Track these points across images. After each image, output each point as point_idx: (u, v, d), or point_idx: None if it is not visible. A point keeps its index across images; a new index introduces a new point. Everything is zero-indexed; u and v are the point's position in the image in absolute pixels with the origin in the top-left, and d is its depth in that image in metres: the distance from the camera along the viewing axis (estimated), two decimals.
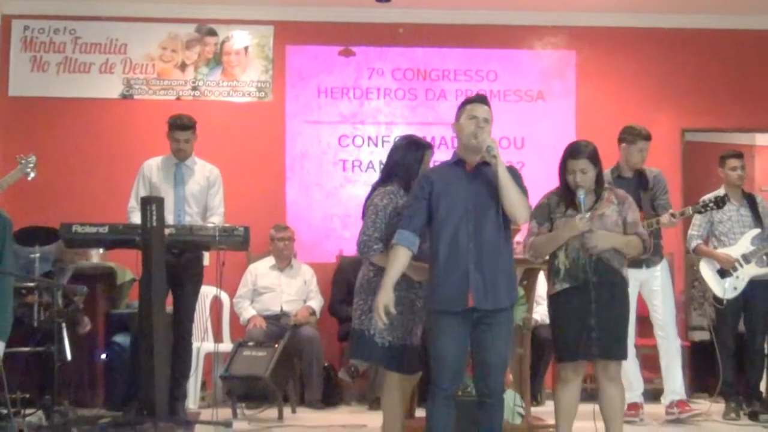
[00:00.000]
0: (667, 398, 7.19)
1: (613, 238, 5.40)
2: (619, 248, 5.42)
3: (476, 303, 4.88)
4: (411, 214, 5.04)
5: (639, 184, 7.09)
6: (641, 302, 7.21)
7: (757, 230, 7.33)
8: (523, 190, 5.04)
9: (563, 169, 5.55)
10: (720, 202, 6.82)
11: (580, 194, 5.39)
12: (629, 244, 5.44)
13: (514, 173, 5.06)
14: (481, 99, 5.19)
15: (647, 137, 7.15)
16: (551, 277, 5.48)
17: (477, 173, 5.05)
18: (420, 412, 5.85)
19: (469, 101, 5.18)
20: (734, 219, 7.39)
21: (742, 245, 7.30)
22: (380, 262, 5.24)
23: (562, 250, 5.42)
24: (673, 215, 6.76)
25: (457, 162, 5.13)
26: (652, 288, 7.14)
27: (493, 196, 4.96)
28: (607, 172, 7.17)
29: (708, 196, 7.23)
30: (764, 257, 7.34)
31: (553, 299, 5.47)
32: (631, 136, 7.15)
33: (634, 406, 6.99)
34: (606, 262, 5.38)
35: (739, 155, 7.55)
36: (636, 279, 7.07)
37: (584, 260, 5.35)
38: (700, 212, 6.92)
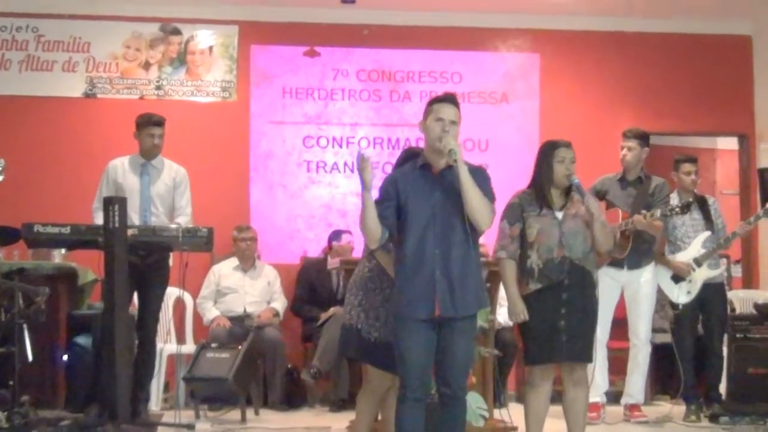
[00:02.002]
0: (624, 400, 7.30)
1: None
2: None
3: (442, 311, 4.85)
4: (384, 216, 4.96)
5: (639, 190, 7.16)
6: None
7: (708, 233, 7.38)
8: (490, 193, 4.97)
9: (543, 165, 5.54)
10: (685, 208, 6.87)
11: (576, 180, 5.44)
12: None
13: (482, 176, 4.99)
14: (449, 99, 5.06)
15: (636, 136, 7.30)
16: (524, 277, 5.46)
17: (443, 177, 4.97)
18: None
19: (437, 100, 5.07)
20: (687, 223, 7.44)
21: (694, 249, 7.35)
22: (381, 258, 5.28)
23: (535, 249, 5.42)
24: (644, 216, 6.79)
25: (424, 165, 5.05)
26: (639, 292, 7.19)
27: (459, 200, 4.88)
28: (611, 175, 7.26)
29: (674, 202, 7.28)
30: (715, 260, 7.40)
31: (525, 299, 5.43)
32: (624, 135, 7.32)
33: (595, 407, 7.04)
34: (578, 264, 5.40)
35: (693, 160, 7.59)
36: (617, 280, 7.14)
37: (558, 261, 5.37)
38: (666, 215, 6.95)
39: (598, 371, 6.96)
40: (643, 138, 7.33)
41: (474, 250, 5.00)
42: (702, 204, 7.52)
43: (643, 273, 7.19)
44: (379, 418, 5.66)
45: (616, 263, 7.07)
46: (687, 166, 7.52)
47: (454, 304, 4.86)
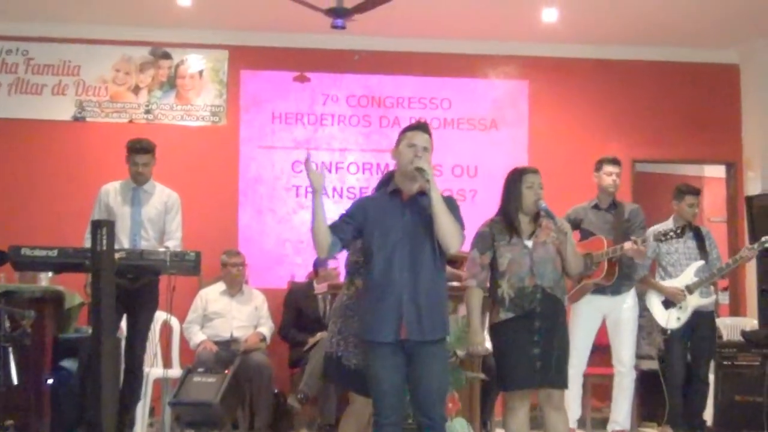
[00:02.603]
0: (610, 427, 7.29)
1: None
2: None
3: (409, 335, 4.84)
4: (341, 229, 4.97)
5: (614, 215, 7.19)
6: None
7: (701, 262, 7.40)
8: (459, 221, 4.97)
9: (512, 191, 5.57)
10: (680, 233, 6.88)
11: (543, 204, 5.48)
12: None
13: (452, 204, 5.01)
14: (421, 127, 5.09)
15: (612, 162, 7.33)
16: (495, 306, 5.48)
17: (413, 203, 4.99)
18: None
19: (409, 128, 5.10)
20: (681, 251, 7.46)
21: (686, 276, 7.36)
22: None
23: (506, 279, 5.44)
24: (635, 242, 6.81)
25: (394, 191, 5.06)
26: (621, 318, 7.19)
27: (428, 226, 4.89)
28: (583, 204, 7.29)
29: (662, 227, 7.31)
30: (707, 288, 7.42)
31: (497, 328, 5.47)
32: (598, 162, 7.30)
33: None
34: (550, 292, 5.43)
35: (697, 192, 7.59)
36: (598, 308, 7.14)
37: (530, 290, 5.39)
38: (660, 240, 6.97)
39: (573, 399, 7.00)
40: (609, 162, 7.39)
41: (442, 276, 5.03)
42: (697, 233, 7.53)
43: (625, 299, 7.21)
44: None
45: (599, 290, 7.09)
46: (690, 199, 7.51)
47: (421, 327, 4.86)
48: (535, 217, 5.55)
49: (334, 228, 4.96)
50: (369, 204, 5.09)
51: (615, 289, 7.11)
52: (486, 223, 5.63)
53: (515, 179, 5.62)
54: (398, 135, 5.15)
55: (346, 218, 5.01)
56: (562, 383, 5.51)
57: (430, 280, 4.92)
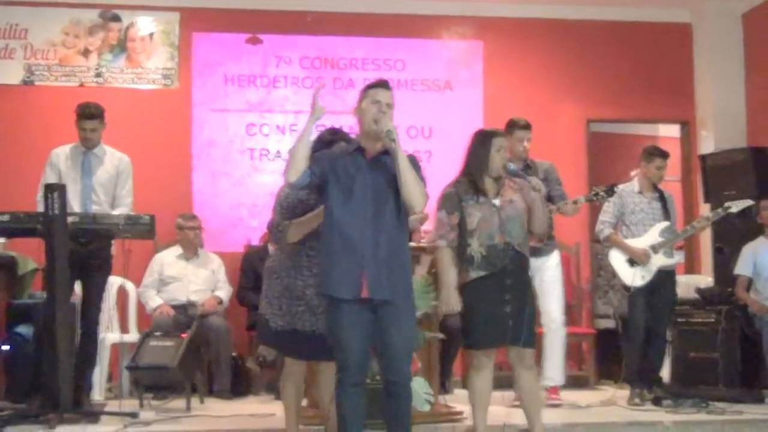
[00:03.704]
0: (545, 384, 7.27)
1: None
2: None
3: (371, 293, 4.84)
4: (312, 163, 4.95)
5: (531, 174, 7.18)
6: None
7: (666, 223, 7.45)
8: (422, 180, 4.97)
9: (479, 153, 5.56)
10: (609, 192, 6.90)
11: (512, 166, 5.58)
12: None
13: (414, 162, 5.00)
14: (383, 84, 5.09)
15: (525, 126, 7.20)
16: (464, 265, 5.47)
17: (376, 161, 4.98)
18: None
19: (371, 86, 5.09)
20: (646, 210, 7.50)
21: (651, 236, 7.40)
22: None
23: (475, 237, 5.44)
24: (566, 204, 6.85)
25: (357, 149, 5.05)
26: (544, 278, 7.20)
27: (391, 185, 4.89)
28: None
29: (627, 187, 7.48)
30: (670, 249, 7.47)
31: (467, 287, 5.46)
32: (509, 127, 7.18)
33: (554, 389, 7.12)
34: (519, 250, 5.45)
35: (665, 155, 7.61)
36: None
37: (501, 247, 5.39)
38: (591, 200, 6.99)
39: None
40: (526, 127, 7.33)
41: (404, 235, 5.04)
42: (661, 197, 7.58)
43: (548, 259, 7.22)
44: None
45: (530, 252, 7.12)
46: (659, 161, 7.53)
47: (382, 286, 4.85)
48: (497, 177, 5.55)
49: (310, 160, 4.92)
50: (331, 159, 5.04)
51: (536, 251, 7.03)
52: (450, 183, 5.63)
53: (483, 142, 5.59)
54: (360, 93, 5.14)
55: (315, 161, 4.97)
56: (533, 342, 5.54)
57: (394, 239, 4.92)
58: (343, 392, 4.92)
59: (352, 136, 5.38)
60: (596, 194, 6.87)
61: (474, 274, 5.44)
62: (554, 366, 7.31)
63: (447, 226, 5.51)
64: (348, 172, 4.95)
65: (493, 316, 5.39)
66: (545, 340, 7.27)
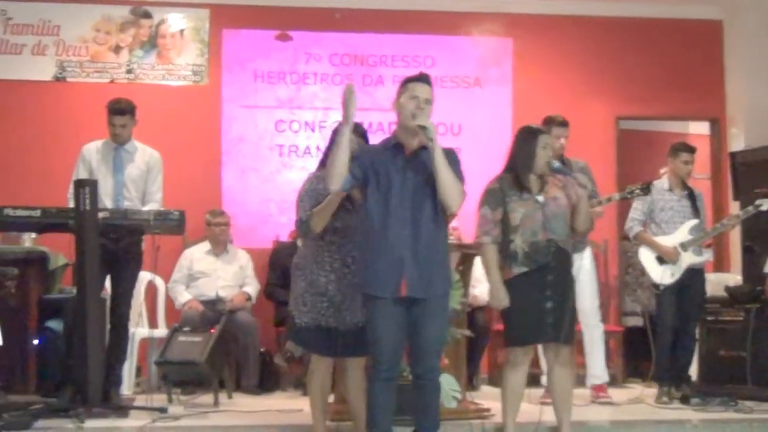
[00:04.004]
0: (589, 382, 7.33)
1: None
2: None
3: (410, 292, 4.88)
4: (353, 172, 4.96)
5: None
6: None
7: (696, 221, 7.42)
8: (460, 176, 4.97)
9: (524, 150, 5.55)
10: (645, 190, 6.89)
11: (557, 164, 5.54)
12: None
13: (453, 158, 4.99)
14: (423, 79, 5.05)
15: (562, 123, 7.17)
16: (506, 261, 5.47)
17: (415, 158, 4.97)
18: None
19: (410, 80, 5.06)
20: (675, 208, 7.48)
21: (680, 234, 7.38)
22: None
23: (519, 233, 5.44)
24: (600, 202, 6.85)
25: (396, 145, 5.04)
26: (578, 276, 7.18)
27: (430, 182, 4.89)
28: None
29: (657, 184, 7.45)
30: (699, 247, 7.44)
31: (509, 283, 5.45)
32: (546, 123, 7.16)
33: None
34: (561, 246, 5.47)
35: (692, 150, 7.60)
36: None
37: (543, 244, 5.41)
38: (626, 198, 6.98)
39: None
40: (563, 123, 7.30)
41: (443, 232, 5.05)
42: (690, 194, 7.56)
43: (582, 255, 7.21)
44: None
45: None
46: (686, 156, 7.53)
47: (422, 285, 4.89)
48: (542, 174, 5.56)
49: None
50: (370, 156, 5.04)
51: (577, 247, 7.01)
52: (494, 179, 5.62)
53: (529, 139, 5.58)
54: (399, 86, 5.10)
55: (354, 162, 4.96)
56: (572, 339, 5.57)
57: (432, 236, 4.93)
58: (375, 386, 5.00)
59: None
60: (631, 192, 6.86)
61: (516, 270, 5.45)
62: (597, 363, 7.33)
63: (491, 222, 5.50)
64: (386, 169, 4.95)
65: (534, 312, 5.41)
66: (585, 338, 7.29)
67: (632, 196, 6.94)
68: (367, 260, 4.99)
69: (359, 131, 5.45)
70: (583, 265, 7.21)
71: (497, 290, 5.46)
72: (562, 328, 5.44)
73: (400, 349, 5.01)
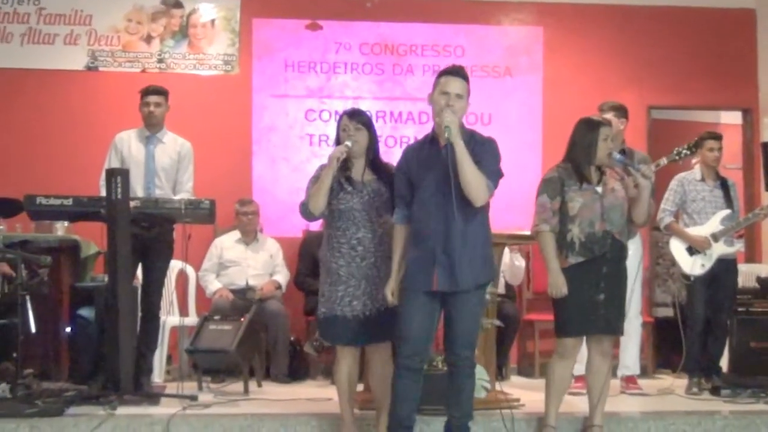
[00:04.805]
0: (620, 372, 7.33)
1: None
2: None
3: (440, 286, 4.93)
4: (400, 191, 5.10)
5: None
6: None
7: (728, 211, 7.38)
8: (493, 167, 4.99)
9: (585, 142, 5.57)
10: (693, 148, 6.83)
11: (618, 156, 5.60)
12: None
13: (488, 148, 5.03)
14: (455, 72, 5.06)
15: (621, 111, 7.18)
16: (562, 251, 5.50)
17: (447, 151, 4.97)
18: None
19: (444, 72, 5.07)
20: (707, 199, 7.44)
21: (712, 224, 7.34)
22: None
23: (576, 223, 5.47)
24: (649, 166, 6.76)
25: (432, 139, 5.09)
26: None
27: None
28: None
29: (689, 175, 7.52)
30: (731, 237, 7.41)
31: (564, 272, 5.49)
32: (619, 110, 7.22)
33: (581, 378, 7.09)
34: (618, 238, 5.49)
35: (717, 137, 7.57)
36: None
37: (600, 235, 5.43)
38: (674, 160, 6.89)
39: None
40: (618, 109, 7.29)
41: (476, 224, 5.03)
42: (724, 183, 7.52)
43: (630, 244, 7.17)
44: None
45: None
46: (710, 143, 7.50)
47: (452, 279, 4.93)
48: (599, 166, 5.58)
49: (402, 200, 5.12)
50: (412, 154, 5.14)
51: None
52: (553, 168, 5.66)
53: (590, 130, 5.60)
54: (435, 78, 5.13)
55: (398, 175, 5.13)
56: (620, 330, 5.61)
57: (464, 229, 4.94)
58: (399, 375, 5.07)
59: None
60: (678, 153, 6.81)
61: (572, 260, 5.48)
62: (631, 355, 7.34)
63: (549, 210, 5.54)
64: (423, 164, 5.02)
65: (586, 304, 5.45)
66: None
67: (681, 158, 6.87)
68: (409, 254, 5.06)
69: (363, 120, 5.50)
70: (631, 256, 7.18)
71: (556, 278, 5.48)
72: (612, 321, 5.49)
73: (428, 340, 5.05)
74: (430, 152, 5.04)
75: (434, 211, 4.94)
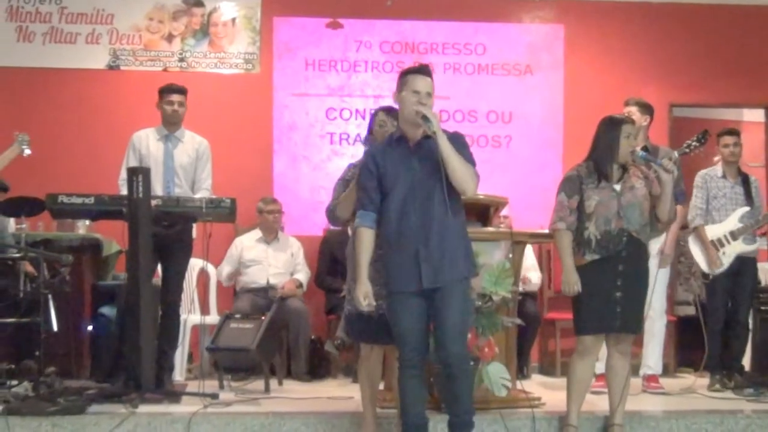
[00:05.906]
0: (642, 371, 7.30)
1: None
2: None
3: (426, 284, 4.92)
4: (369, 194, 5.04)
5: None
6: None
7: (747, 208, 7.35)
8: (470, 159, 4.99)
9: (608, 140, 5.55)
10: (701, 139, 6.81)
11: (642, 153, 5.60)
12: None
13: (461, 141, 5.01)
14: (423, 71, 5.05)
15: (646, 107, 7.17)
16: (581, 248, 5.51)
17: (419, 148, 4.99)
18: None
19: (410, 71, 5.06)
20: (728, 195, 7.42)
21: (731, 222, 7.32)
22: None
23: (593, 221, 5.47)
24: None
25: (400, 138, 5.07)
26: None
27: (437, 170, 4.90)
28: None
29: (711, 171, 7.53)
30: (750, 234, 7.37)
31: (580, 270, 5.50)
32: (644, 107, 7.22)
33: (603, 377, 7.07)
34: (635, 236, 5.47)
35: (733, 132, 7.55)
36: None
37: (616, 232, 5.42)
38: (685, 153, 6.88)
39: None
40: (643, 106, 7.26)
41: (455, 219, 5.00)
42: (745, 180, 7.49)
43: (653, 246, 7.15)
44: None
45: None
46: (726, 139, 7.50)
47: (437, 275, 4.93)
48: (623, 163, 5.57)
49: (375, 208, 5.05)
50: (381, 156, 5.08)
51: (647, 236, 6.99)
52: (574, 167, 5.67)
53: (613, 128, 5.59)
54: (398, 77, 5.11)
55: (367, 182, 5.06)
56: (638, 328, 5.64)
57: (445, 225, 4.94)
58: (402, 376, 5.09)
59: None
60: (688, 146, 6.80)
61: (589, 257, 5.49)
62: (653, 354, 7.31)
63: (567, 208, 5.55)
64: (393, 165, 5.00)
65: (603, 301, 5.45)
66: (645, 328, 7.23)
67: (691, 151, 6.86)
68: (387, 257, 5.04)
69: (394, 114, 5.43)
70: (653, 256, 7.16)
71: (569, 275, 5.50)
72: (629, 320, 5.48)
73: (425, 339, 5.04)
74: (401, 151, 5.02)
75: (412, 210, 4.93)
